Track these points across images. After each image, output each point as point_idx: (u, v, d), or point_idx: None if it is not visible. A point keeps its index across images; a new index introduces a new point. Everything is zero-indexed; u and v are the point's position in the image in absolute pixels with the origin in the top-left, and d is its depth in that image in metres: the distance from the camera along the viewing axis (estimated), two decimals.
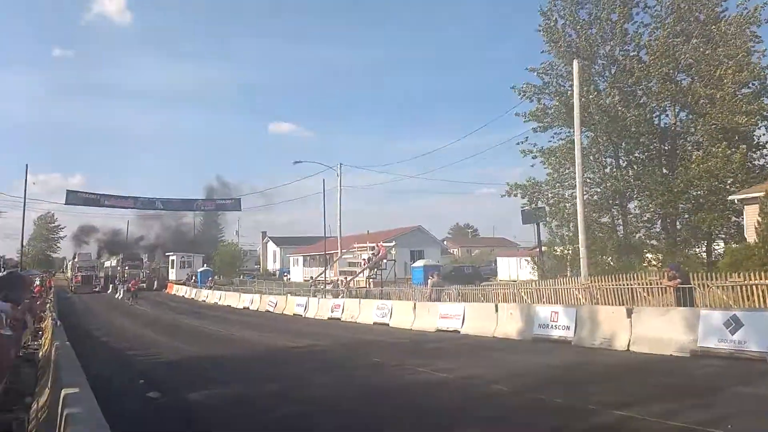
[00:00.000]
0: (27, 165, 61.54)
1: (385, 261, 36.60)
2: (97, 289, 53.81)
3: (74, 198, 56.70)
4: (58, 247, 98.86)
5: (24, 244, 53.10)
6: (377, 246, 37.94)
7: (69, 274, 62.88)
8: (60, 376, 5.52)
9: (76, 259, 62.44)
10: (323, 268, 43.66)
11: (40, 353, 11.79)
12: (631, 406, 7.14)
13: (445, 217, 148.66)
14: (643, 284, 18.45)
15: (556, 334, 14.26)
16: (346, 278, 36.71)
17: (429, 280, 26.65)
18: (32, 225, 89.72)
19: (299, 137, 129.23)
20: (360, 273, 37.11)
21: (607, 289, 19.09)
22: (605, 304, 17.98)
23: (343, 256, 42.18)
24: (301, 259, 68.97)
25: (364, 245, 40.25)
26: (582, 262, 21.15)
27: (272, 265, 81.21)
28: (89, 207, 60.65)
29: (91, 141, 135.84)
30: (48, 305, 23.24)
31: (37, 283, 37.56)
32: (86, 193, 59.64)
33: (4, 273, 14.51)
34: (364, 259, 37.80)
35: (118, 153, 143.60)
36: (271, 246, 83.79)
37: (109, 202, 59.89)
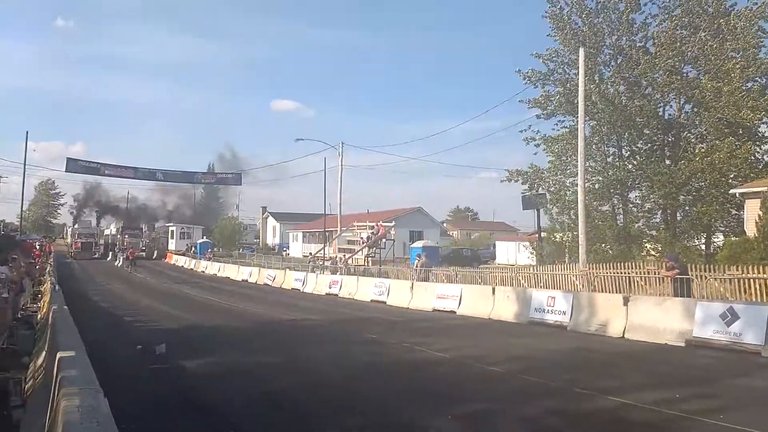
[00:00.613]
0: (27, 132, 61.52)
1: (384, 240, 36.63)
2: (96, 256, 53.91)
3: (74, 166, 56.58)
4: (59, 214, 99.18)
5: (24, 209, 53.17)
6: (377, 225, 37.95)
7: (69, 240, 63.10)
8: (56, 340, 5.53)
9: (76, 226, 62.61)
10: (322, 245, 43.76)
11: (39, 316, 11.84)
12: (626, 392, 7.18)
13: (445, 200, 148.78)
14: (640, 273, 18.46)
15: (551, 318, 14.31)
16: (344, 255, 36.78)
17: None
18: (32, 191, 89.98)
19: (301, 116, 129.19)
20: (359, 251, 37.16)
21: (604, 276, 19.13)
22: (602, 291, 18.00)
23: (343, 234, 42.24)
24: (300, 235, 69.07)
25: (364, 224, 40.29)
26: (581, 249, 21.18)
27: (272, 239, 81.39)
28: (89, 175, 60.78)
29: (93, 111, 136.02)
30: (47, 269, 23.33)
31: (37, 247, 37.65)
32: (86, 161, 59.50)
33: None
34: (363, 238, 37.83)
35: (120, 124, 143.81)
36: (271, 221, 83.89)
37: (109, 171, 59.74)
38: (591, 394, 7.18)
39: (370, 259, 35.56)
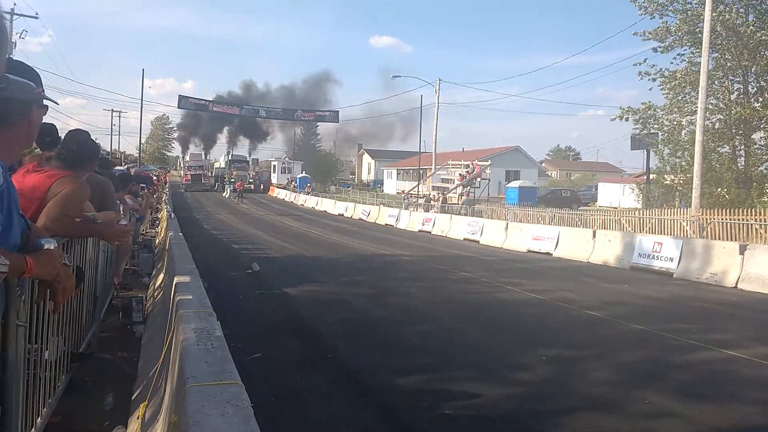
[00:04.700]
0: (143, 69, 65.43)
1: (479, 179, 36.06)
2: (206, 188, 56.74)
3: (185, 103, 60.29)
4: (172, 147, 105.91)
5: (142, 142, 57.32)
6: (472, 164, 37.34)
7: (181, 171, 67.40)
8: (174, 264, 5.96)
9: (187, 158, 66.60)
10: (416, 183, 43.84)
11: (157, 240, 12.87)
12: (737, 345, 6.75)
13: (545, 139, 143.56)
14: (760, 221, 17.05)
15: (657, 264, 13.62)
16: (438, 193, 36.71)
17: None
18: (149, 125, 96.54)
19: (399, 52, 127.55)
20: (453, 189, 36.90)
21: (719, 223, 17.83)
22: (715, 238, 16.85)
23: (437, 172, 41.99)
24: (394, 172, 69.59)
25: (459, 162, 39.79)
26: (694, 193, 19.78)
27: (366, 176, 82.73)
28: (198, 111, 64.29)
29: (202, 49, 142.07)
30: (164, 198, 25.19)
31: (155, 178, 40.63)
32: (196, 98, 63.20)
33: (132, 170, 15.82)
34: (459, 175, 37.45)
35: (225, 62, 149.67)
36: (366, 158, 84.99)
37: (217, 108, 63.06)
38: (698, 344, 6.82)
39: (464, 197, 35.24)
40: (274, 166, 65.69)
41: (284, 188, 55.57)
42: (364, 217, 31.65)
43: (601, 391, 5.22)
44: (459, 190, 36.02)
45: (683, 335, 7.22)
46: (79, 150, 3.76)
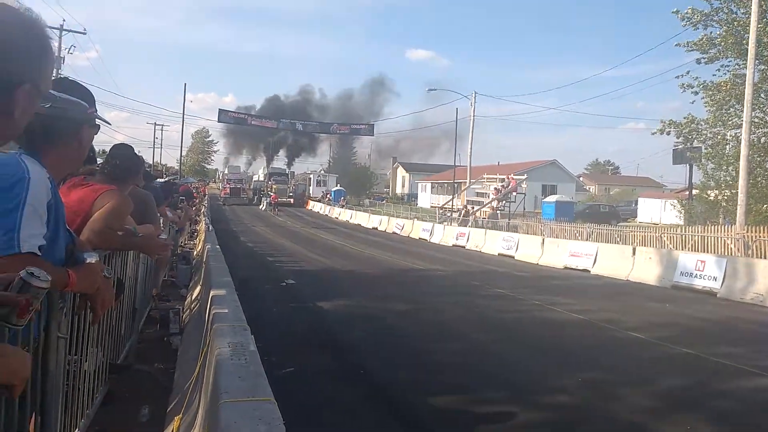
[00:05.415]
0: (185, 84, 67.55)
1: (514, 194, 35.69)
2: (245, 202, 55.39)
3: (225, 117, 61.84)
4: (212, 160, 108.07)
5: (182, 155, 58.74)
6: (508, 178, 37.02)
7: (220, 184, 68.27)
8: (210, 277, 6.04)
9: (226, 171, 67.54)
10: (451, 196, 43.66)
11: (195, 252, 13.10)
12: None
13: (583, 153, 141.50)
14: None
15: (700, 284, 13.17)
16: (473, 207, 36.46)
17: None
18: (189, 139, 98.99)
19: (436, 65, 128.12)
20: (488, 204, 36.60)
21: (765, 241, 17.17)
22: (761, 257, 16.22)
23: (472, 186, 41.74)
24: (429, 185, 69.47)
25: (494, 176, 39.49)
26: (739, 209, 19.09)
27: (400, 189, 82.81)
28: (238, 125, 65.75)
29: (242, 63, 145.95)
30: (202, 210, 25.66)
31: (194, 191, 41.43)
32: (236, 112, 64.87)
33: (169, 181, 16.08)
34: (494, 190, 37.15)
35: (264, 74, 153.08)
36: (401, 171, 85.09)
37: (255, 121, 64.49)
38: (746, 369, 6.53)
39: (499, 212, 34.90)
40: (310, 179, 66.31)
41: (319, 201, 55.92)
42: (398, 231, 31.60)
43: (641, 418, 5.04)
44: (494, 204, 35.71)
45: (730, 359, 6.92)
46: (123, 164, 3.85)
